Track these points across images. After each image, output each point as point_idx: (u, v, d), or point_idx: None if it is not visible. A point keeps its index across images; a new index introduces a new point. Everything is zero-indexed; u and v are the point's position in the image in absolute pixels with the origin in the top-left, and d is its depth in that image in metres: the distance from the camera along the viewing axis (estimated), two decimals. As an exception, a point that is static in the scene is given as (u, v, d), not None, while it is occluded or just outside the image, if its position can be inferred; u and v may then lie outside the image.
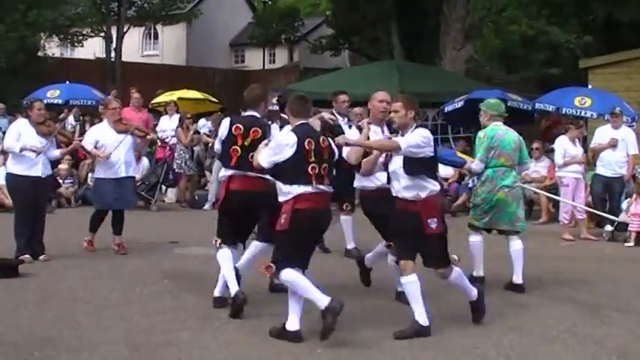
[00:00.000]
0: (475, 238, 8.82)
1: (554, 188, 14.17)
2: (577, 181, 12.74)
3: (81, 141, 10.86)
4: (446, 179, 16.24)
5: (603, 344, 6.65)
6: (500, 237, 8.97)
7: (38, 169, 9.91)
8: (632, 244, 12.00)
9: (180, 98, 19.64)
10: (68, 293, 8.19)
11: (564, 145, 12.80)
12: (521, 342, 6.66)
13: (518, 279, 8.65)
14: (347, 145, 7.11)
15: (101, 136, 10.52)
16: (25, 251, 9.73)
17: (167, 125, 16.91)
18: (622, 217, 12.51)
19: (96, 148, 10.46)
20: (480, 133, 8.89)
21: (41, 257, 9.84)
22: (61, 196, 15.61)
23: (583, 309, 7.86)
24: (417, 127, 7.03)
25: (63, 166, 15.53)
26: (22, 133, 9.90)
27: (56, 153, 10.45)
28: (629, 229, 12.18)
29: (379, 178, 7.56)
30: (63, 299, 7.93)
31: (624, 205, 12.85)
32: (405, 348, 6.41)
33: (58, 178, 15.29)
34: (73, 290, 8.32)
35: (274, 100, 8.58)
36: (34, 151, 9.82)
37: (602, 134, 13.41)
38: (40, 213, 10.06)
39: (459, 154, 9.86)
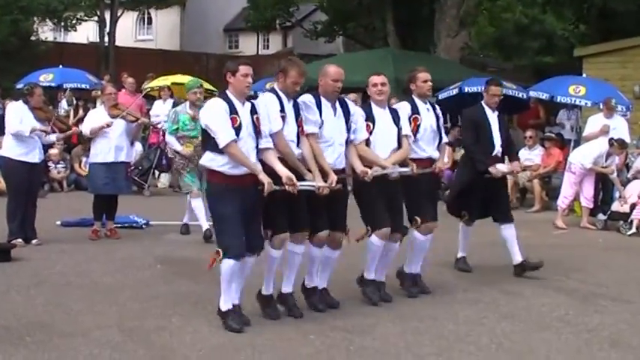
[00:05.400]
0: None
1: (547, 177, 14.16)
2: (587, 171, 12.61)
3: (78, 127, 10.93)
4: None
5: (596, 333, 6.65)
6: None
7: (35, 154, 9.90)
8: (634, 230, 11.91)
9: (174, 83, 19.53)
10: (61, 278, 8.17)
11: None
12: (514, 330, 6.66)
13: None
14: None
15: (97, 121, 10.51)
16: (18, 235, 9.72)
17: (161, 110, 16.84)
18: (615, 206, 12.50)
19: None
20: None
21: (34, 241, 9.83)
22: (54, 180, 15.58)
23: (576, 297, 7.87)
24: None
25: (54, 151, 15.46)
26: (22, 117, 9.85)
27: (52, 137, 10.51)
28: (632, 217, 12.03)
29: None
30: (55, 284, 7.91)
31: (617, 194, 12.84)
32: (397, 334, 6.42)
33: (49, 162, 15.24)
34: (66, 275, 8.30)
35: None
36: (43, 130, 9.90)
37: (595, 123, 13.41)
38: (33, 197, 10.04)
39: None
